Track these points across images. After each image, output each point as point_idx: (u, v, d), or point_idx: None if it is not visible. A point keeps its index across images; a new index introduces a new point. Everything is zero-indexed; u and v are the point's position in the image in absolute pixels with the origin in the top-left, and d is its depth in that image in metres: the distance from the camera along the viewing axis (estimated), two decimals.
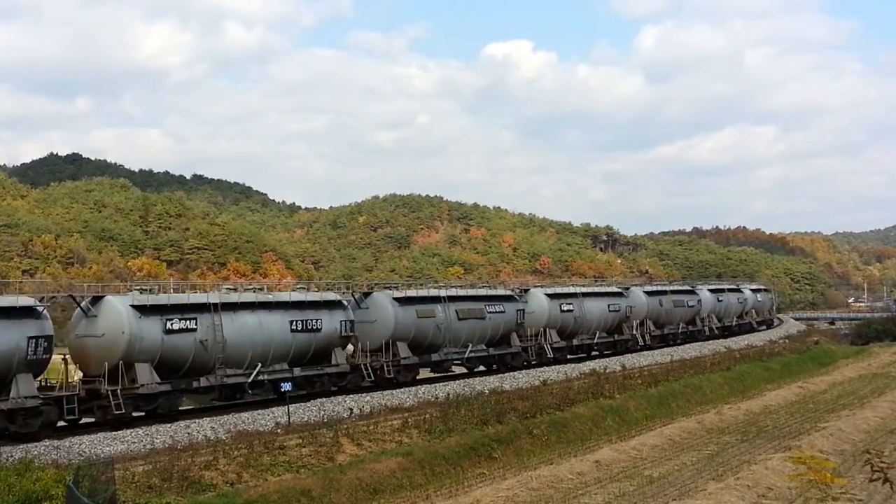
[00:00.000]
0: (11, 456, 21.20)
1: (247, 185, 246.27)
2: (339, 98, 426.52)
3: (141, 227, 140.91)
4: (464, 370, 42.38)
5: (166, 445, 23.69)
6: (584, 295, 49.80)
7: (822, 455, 8.86)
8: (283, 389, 30.08)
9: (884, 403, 34.15)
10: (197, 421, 26.87)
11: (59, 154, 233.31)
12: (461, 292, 41.70)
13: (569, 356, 48.17)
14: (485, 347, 41.49)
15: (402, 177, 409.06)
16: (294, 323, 31.92)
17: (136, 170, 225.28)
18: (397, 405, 31.28)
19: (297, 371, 32.22)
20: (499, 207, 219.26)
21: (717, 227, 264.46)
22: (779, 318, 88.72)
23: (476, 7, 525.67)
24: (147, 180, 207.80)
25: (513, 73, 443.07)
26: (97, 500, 15.04)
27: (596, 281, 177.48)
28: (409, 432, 26.68)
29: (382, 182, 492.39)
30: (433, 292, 39.91)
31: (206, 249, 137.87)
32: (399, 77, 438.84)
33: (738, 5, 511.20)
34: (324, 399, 31.59)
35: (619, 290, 55.59)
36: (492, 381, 37.02)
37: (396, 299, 36.69)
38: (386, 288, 39.99)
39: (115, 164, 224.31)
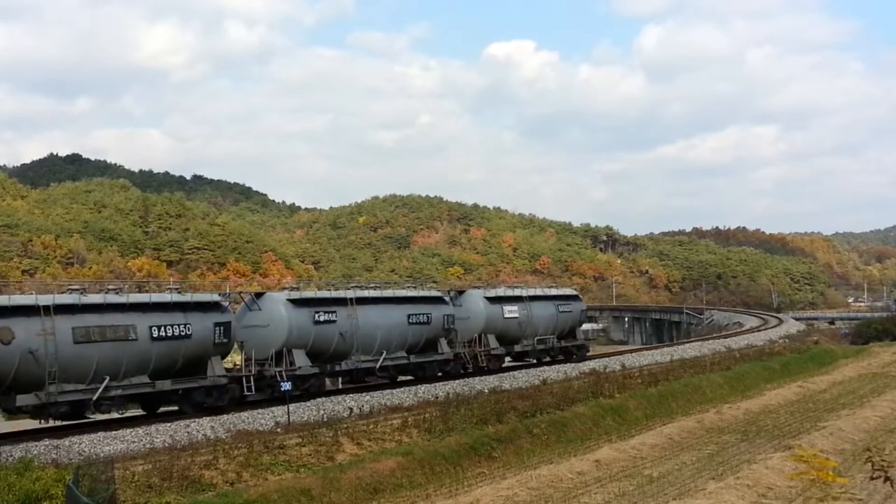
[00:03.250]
0: (11, 455, 21.19)
1: (247, 185, 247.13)
2: (341, 98, 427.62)
3: (141, 227, 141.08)
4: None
5: (166, 445, 23.70)
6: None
7: (822, 454, 8.81)
8: (282, 389, 29.98)
9: (884, 403, 34.14)
10: (197, 420, 26.85)
11: (59, 154, 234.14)
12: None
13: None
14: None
15: (403, 177, 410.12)
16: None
17: (136, 170, 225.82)
18: (397, 404, 31.29)
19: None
20: (499, 208, 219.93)
21: (717, 227, 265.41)
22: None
23: (478, 7, 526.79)
24: (147, 181, 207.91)
25: (514, 73, 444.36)
26: (97, 499, 15.02)
27: (596, 280, 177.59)
28: (409, 432, 26.68)
29: (383, 182, 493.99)
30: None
31: (205, 250, 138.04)
32: (400, 77, 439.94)
33: (740, 5, 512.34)
34: (323, 398, 31.55)
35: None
36: (491, 381, 37.02)
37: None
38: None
39: (115, 164, 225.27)
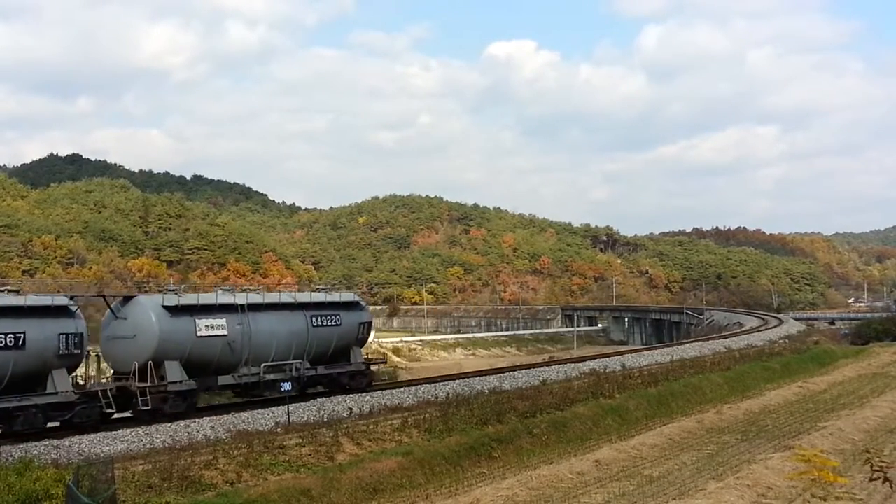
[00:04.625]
0: (11, 455, 21.20)
1: (247, 185, 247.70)
2: (341, 98, 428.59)
3: (141, 227, 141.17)
4: None
5: (166, 445, 23.72)
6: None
7: (822, 455, 8.80)
8: (282, 389, 29.98)
9: (884, 403, 34.14)
10: (197, 421, 26.85)
11: (60, 154, 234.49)
12: None
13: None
14: None
15: (403, 177, 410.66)
16: None
17: (137, 170, 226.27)
18: (397, 405, 31.28)
19: None
20: (499, 208, 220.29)
21: (717, 227, 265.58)
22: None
23: (478, 7, 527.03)
24: (147, 181, 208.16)
25: (515, 73, 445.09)
26: (97, 499, 15.03)
27: (596, 281, 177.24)
28: (409, 432, 26.69)
29: (383, 182, 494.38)
30: None
31: (206, 250, 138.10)
32: (401, 77, 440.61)
33: (741, 5, 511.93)
34: (324, 399, 31.54)
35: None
36: (491, 381, 37.01)
37: None
38: None
39: (116, 164, 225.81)
